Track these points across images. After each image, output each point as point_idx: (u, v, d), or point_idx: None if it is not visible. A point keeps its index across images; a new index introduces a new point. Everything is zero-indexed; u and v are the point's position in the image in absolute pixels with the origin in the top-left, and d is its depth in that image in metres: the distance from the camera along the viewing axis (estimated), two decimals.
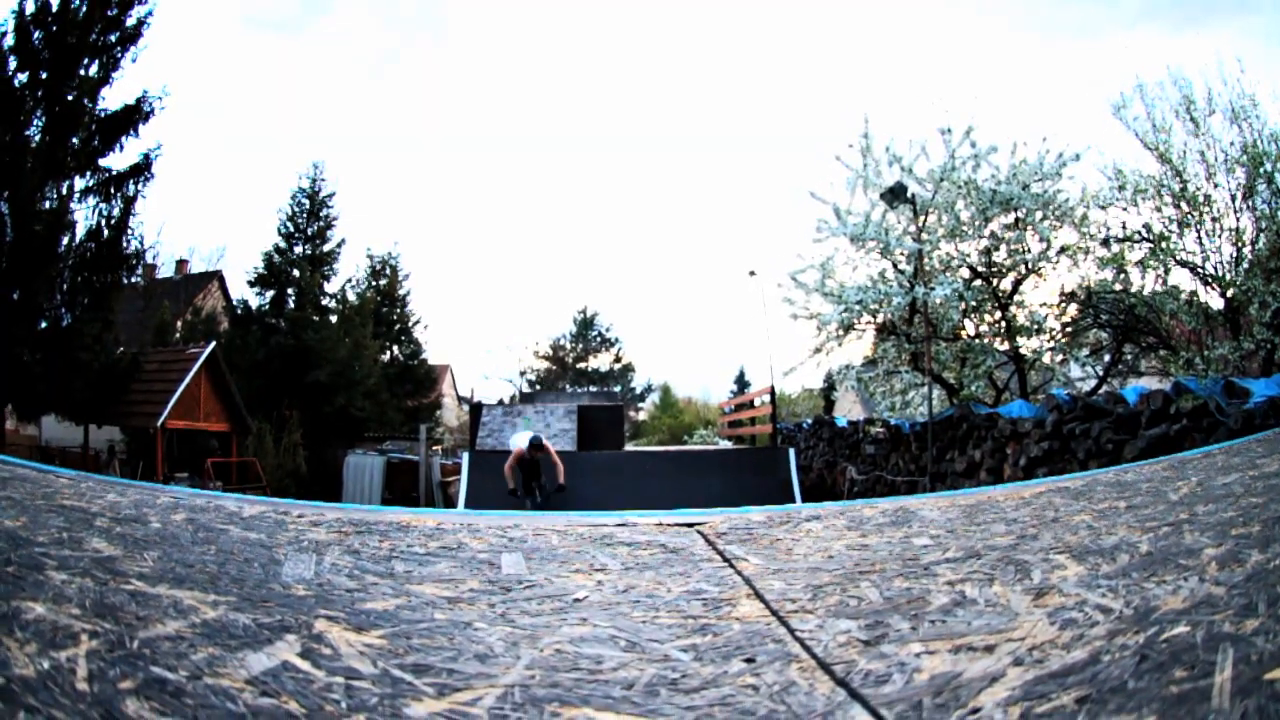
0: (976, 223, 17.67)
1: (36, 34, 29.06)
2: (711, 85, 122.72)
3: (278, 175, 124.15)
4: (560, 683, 1.79)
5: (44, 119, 29.09)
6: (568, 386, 74.77)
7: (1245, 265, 14.70)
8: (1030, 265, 17.76)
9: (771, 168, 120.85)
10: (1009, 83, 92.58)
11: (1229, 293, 14.58)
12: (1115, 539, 3.14)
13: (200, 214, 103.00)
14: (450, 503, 27.68)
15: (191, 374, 34.57)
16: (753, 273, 28.39)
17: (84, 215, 31.11)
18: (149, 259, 34.08)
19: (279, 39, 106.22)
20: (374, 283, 51.82)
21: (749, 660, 1.95)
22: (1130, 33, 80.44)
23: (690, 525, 4.17)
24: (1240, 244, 14.80)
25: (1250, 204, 14.73)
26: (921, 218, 17.59)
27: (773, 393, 24.32)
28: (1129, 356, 17.95)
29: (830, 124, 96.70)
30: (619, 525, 4.19)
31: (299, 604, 2.26)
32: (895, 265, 18.16)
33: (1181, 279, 15.72)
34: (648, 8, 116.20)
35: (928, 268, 17.43)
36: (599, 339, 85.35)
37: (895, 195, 17.16)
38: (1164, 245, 15.21)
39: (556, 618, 2.31)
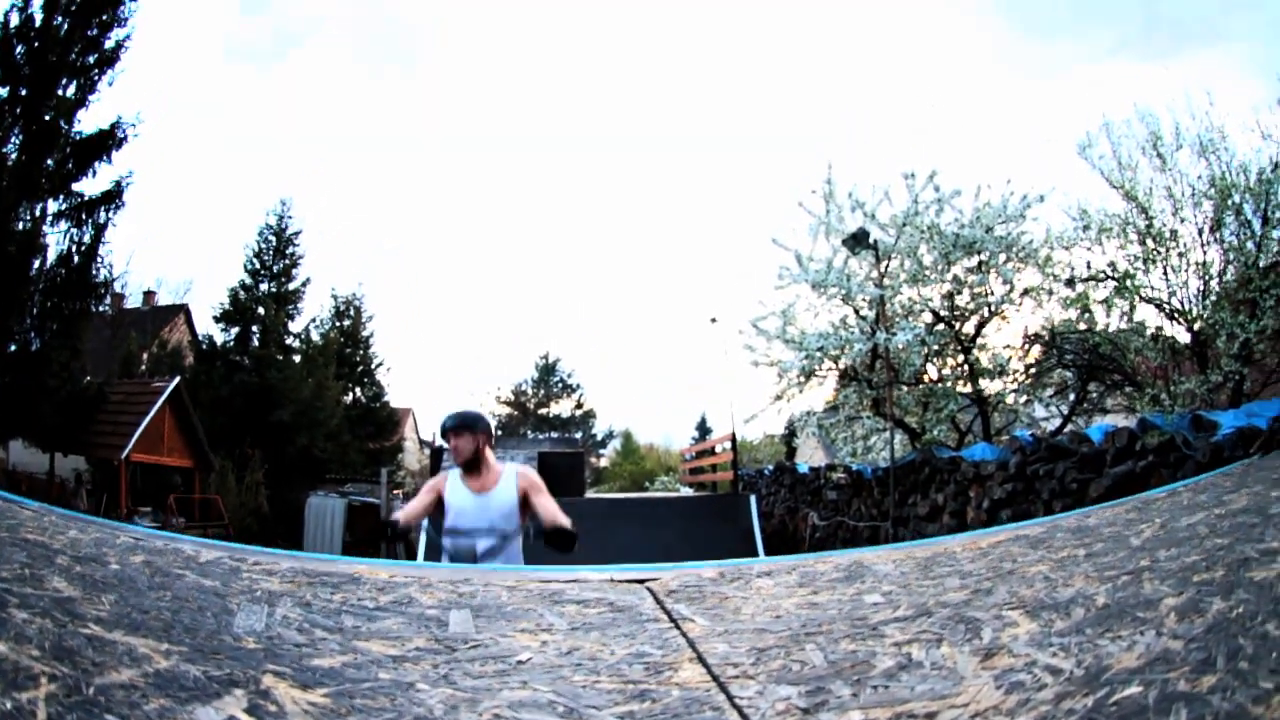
0: (939, 267, 17.68)
1: (19, 48, 29.04)
2: (675, 133, 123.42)
3: (247, 208, 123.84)
4: None
5: (21, 136, 28.95)
6: (529, 432, 74.78)
7: (1213, 298, 14.75)
8: (993, 308, 17.77)
9: (734, 214, 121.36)
10: (976, 123, 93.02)
11: (1196, 326, 14.62)
12: (1072, 591, 3.10)
13: (169, 245, 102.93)
14: (411, 547, 27.56)
15: (156, 407, 34.52)
16: (714, 320, 28.31)
17: (55, 239, 30.96)
18: (117, 288, 34.06)
19: (253, 71, 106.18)
20: (338, 323, 51.96)
21: None
22: (1100, 68, 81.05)
23: (641, 581, 4.13)
24: (1207, 277, 14.84)
25: (1218, 236, 14.78)
26: (883, 263, 17.57)
27: (734, 439, 24.34)
28: (1094, 395, 17.98)
29: (794, 170, 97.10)
30: (570, 581, 4.15)
31: (248, 657, 2.26)
32: (857, 311, 18.15)
33: (1147, 314, 15.75)
34: (611, 56, 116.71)
35: (889, 313, 17.46)
36: (561, 385, 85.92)
37: (857, 241, 17.11)
38: (1129, 283, 15.24)
39: (498, 680, 2.29)
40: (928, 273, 17.74)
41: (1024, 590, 3.25)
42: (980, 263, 17.30)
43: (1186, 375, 14.65)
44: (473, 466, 6.91)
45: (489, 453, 7.02)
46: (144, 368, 42.11)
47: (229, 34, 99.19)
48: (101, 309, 33.49)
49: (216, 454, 37.51)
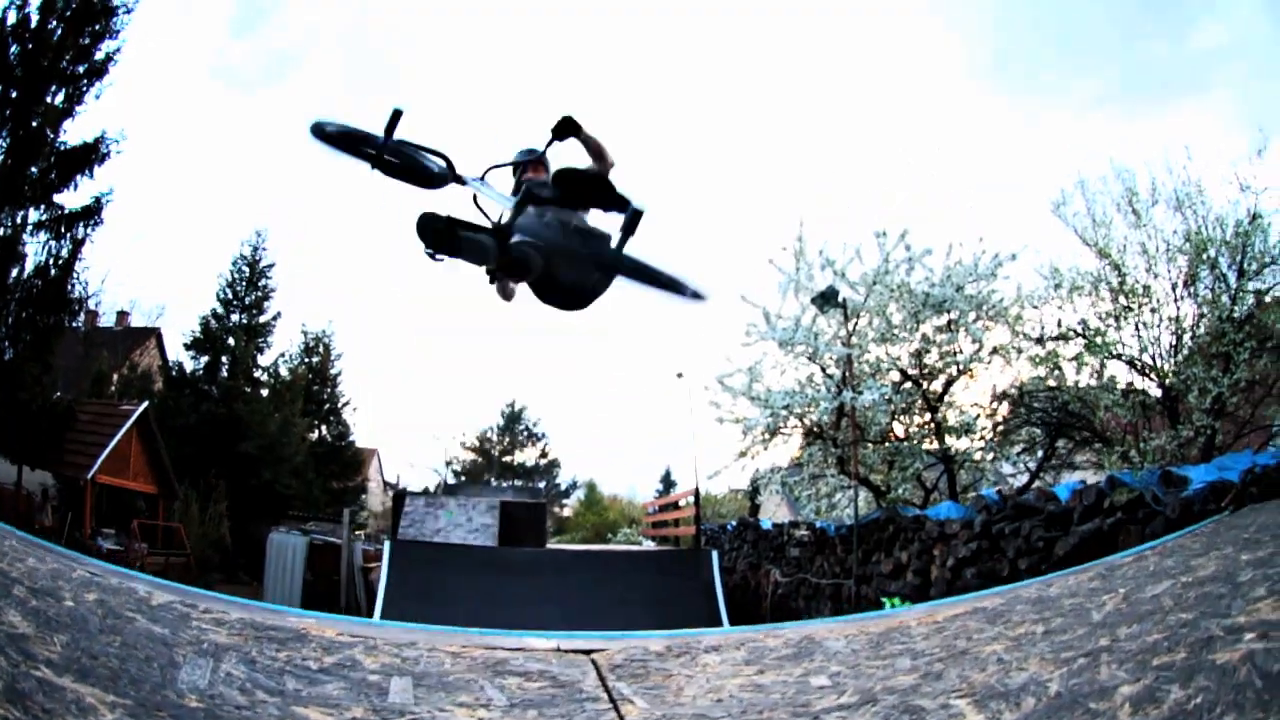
0: (908, 325, 17.71)
1: (14, 48, 28.86)
2: (645, 180, 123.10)
3: (223, 237, 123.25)
4: None
5: (8, 140, 28.72)
6: (493, 479, 74.40)
7: (1185, 353, 14.78)
8: (961, 366, 17.82)
9: (703, 268, 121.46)
10: (949, 179, 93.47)
11: (1167, 381, 14.64)
12: (1024, 676, 3.02)
13: (144, 266, 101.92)
14: (370, 590, 27.49)
15: (123, 430, 33.99)
16: (680, 375, 28.41)
17: (34, 250, 30.51)
18: (92, 305, 33.90)
19: (241, 97, 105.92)
20: (307, 359, 51.64)
21: None
22: (1081, 122, 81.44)
23: (587, 652, 4.07)
24: (1180, 331, 14.88)
25: (1191, 291, 14.82)
26: (852, 321, 17.62)
27: (697, 494, 24.39)
28: (1063, 451, 17.97)
29: (763, 226, 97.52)
30: (515, 649, 4.10)
31: (189, 717, 2.28)
32: (824, 369, 18.18)
33: (1118, 370, 15.78)
34: (586, 102, 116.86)
35: (857, 371, 17.46)
36: (526, 433, 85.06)
37: (826, 300, 17.22)
38: (1100, 340, 15.27)
39: None
40: (896, 331, 17.78)
41: (975, 674, 3.17)
42: (950, 321, 17.36)
43: (1157, 431, 14.65)
44: None
45: None
46: (114, 389, 41.50)
47: (217, 56, 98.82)
48: (75, 325, 33.10)
49: (181, 482, 37.12)
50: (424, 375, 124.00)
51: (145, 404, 35.94)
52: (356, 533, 41.43)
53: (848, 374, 17.28)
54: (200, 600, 4.27)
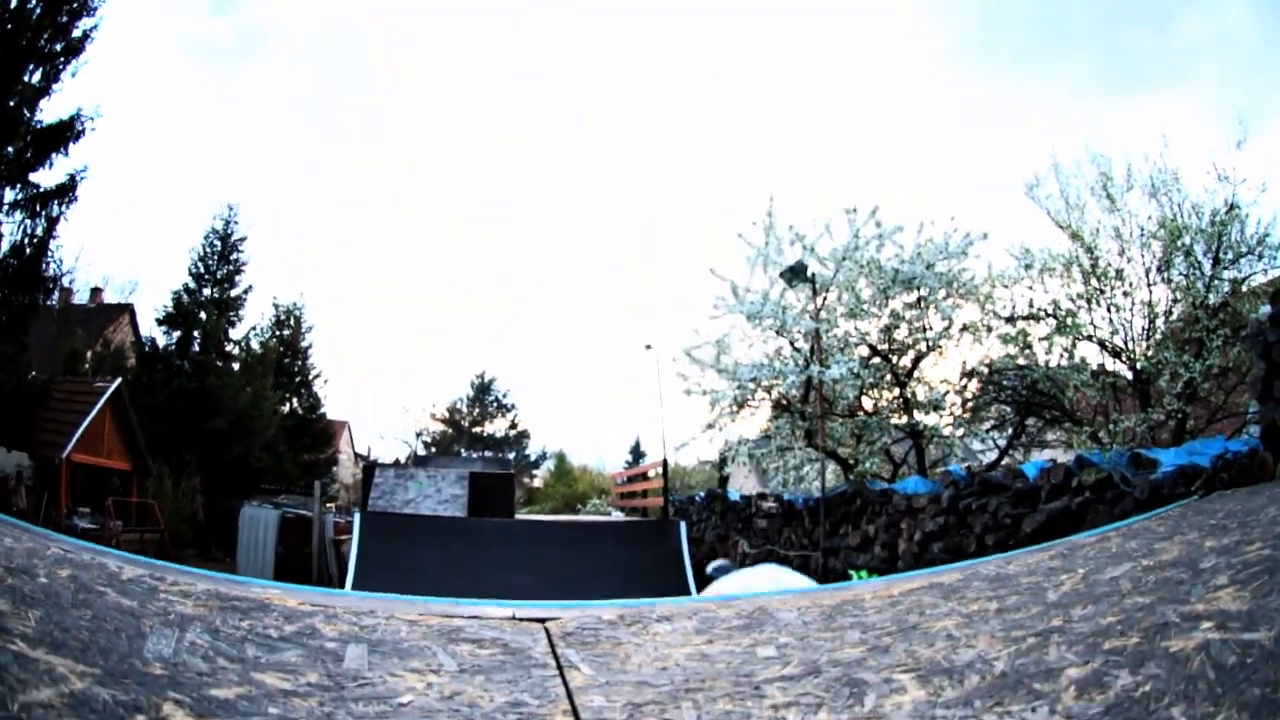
0: (877, 301, 17.78)
1: None
2: (617, 158, 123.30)
3: (196, 211, 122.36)
4: None
5: None
6: (463, 450, 74.39)
7: (1157, 337, 14.82)
8: (931, 343, 17.85)
9: (673, 242, 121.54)
10: (925, 162, 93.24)
11: (1139, 365, 14.69)
12: (972, 654, 3.02)
13: (116, 242, 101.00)
14: (342, 562, 27.54)
15: (97, 408, 33.77)
16: (649, 347, 28.42)
17: (9, 230, 30.36)
18: (66, 283, 33.64)
19: (213, 70, 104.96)
20: (278, 332, 51.55)
21: None
22: (1059, 107, 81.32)
23: (541, 620, 4.11)
24: (1153, 316, 14.93)
25: (1165, 276, 14.87)
26: (821, 296, 17.65)
27: (665, 466, 24.50)
28: (1032, 429, 18.07)
29: (735, 201, 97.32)
30: (472, 617, 4.13)
31: (154, 683, 2.32)
32: (792, 343, 18.21)
33: (1089, 352, 15.82)
34: (560, 73, 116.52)
35: (825, 346, 17.50)
36: (496, 404, 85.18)
37: (795, 274, 17.28)
38: (1071, 321, 15.31)
39: None
40: (866, 307, 17.80)
41: (923, 649, 3.17)
42: (920, 298, 17.40)
43: (1127, 413, 14.71)
44: None
45: None
46: (87, 366, 41.08)
47: (191, 32, 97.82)
48: (49, 303, 32.96)
49: (154, 458, 37.02)
50: (395, 347, 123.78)
51: (118, 381, 35.70)
52: (328, 505, 41.37)
53: (816, 348, 17.34)
54: (169, 574, 4.31)
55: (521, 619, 4.15)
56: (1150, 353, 14.68)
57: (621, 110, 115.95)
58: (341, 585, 21.37)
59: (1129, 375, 15.32)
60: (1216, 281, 14.36)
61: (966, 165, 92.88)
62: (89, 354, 42.39)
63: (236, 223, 45.82)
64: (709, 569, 15.26)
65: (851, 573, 15.56)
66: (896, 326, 17.96)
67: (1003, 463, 17.37)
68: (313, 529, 34.38)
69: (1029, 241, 16.61)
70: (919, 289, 17.34)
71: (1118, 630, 3.01)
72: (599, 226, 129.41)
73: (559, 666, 3.18)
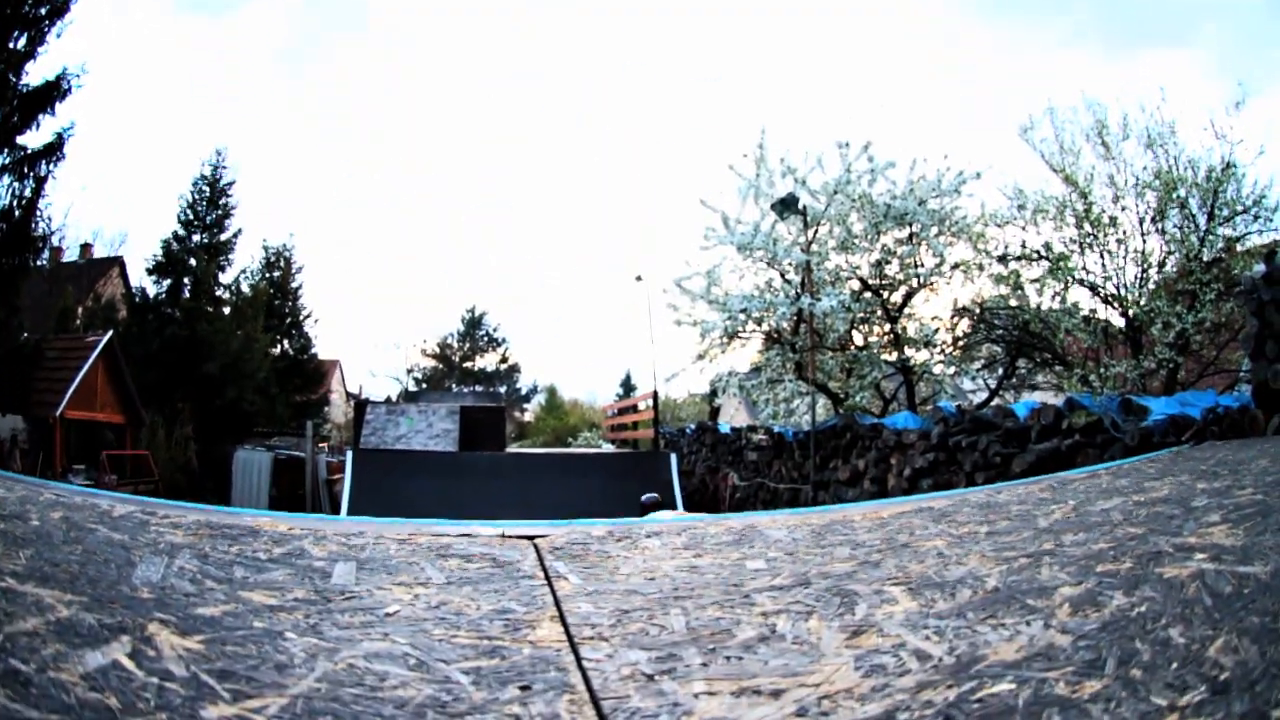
0: (869, 236, 17.78)
1: None
2: (609, 88, 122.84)
3: (184, 159, 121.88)
4: (340, 697, 1.83)
5: None
6: (454, 386, 74.55)
7: (1150, 286, 14.82)
8: (922, 279, 17.88)
9: (662, 172, 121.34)
10: (922, 100, 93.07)
11: (1131, 312, 14.70)
12: (963, 570, 3.03)
13: (106, 196, 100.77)
14: (335, 501, 27.75)
15: (89, 363, 33.83)
16: (639, 278, 28.45)
17: None
18: (55, 241, 33.54)
19: (202, 20, 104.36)
20: (268, 274, 51.51)
21: (524, 688, 1.91)
22: (1055, 54, 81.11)
23: (530, 538, 4.11)
24: (1146, 265, 14.92)
25: (1160, 227, 14.86)
26: (812, 229, 17.64)
27: (655, 397, 24.57)
28: (1023, 371, 18.12)
29: (725, 132, 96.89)
30: (461, 535, 4.14)
31: (140, 606, 2.34)
32: (783, 275, 18.24)
33: (1080, 297, 15.82)
34: (551, 10, 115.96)
35: (816, 279, 17.48)
36: (486, 338, 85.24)
37: (786, 206, 17.23)
38: (1063, 264, 15.30)
39: (361, 631, 2.31)
40: (857, 241, 17.81)
41: (913, 565, 3.16)
42: (911, 234, 17.38)
43: (1118, 359, 14.73)
44: None
45: None
46: (79, 322, 41.16)
47: None
48: (39, 263, 32.86)
49: (147, 409, 37.03)
50: (385, 283, 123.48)
51: (109, 334, 35.67)
52: (320, 445, 41.51)
53: (806, 280, 17.32)
54: (159, 508, 4.37)
55: (511, 536, 4.16)
56: (1144, 301, 14.67)
57: (618, 31, 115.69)
58: None
59: (1120, 322, 15.32)
60: (1211, 237, 14.36)
61: (959, 105, 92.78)
62: (80, 310, 42.50)
63: (225, 167, 45.64)
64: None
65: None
66: (888, 262, 17.98)
67: (992, 403, 17.40)
68: (306, 470, 34.52)
69: (1022, 184, 16.53)
70: (911, 225, 17.34)
71: (1110, 556, 3.01)
72: (589, 155, 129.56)
73: (547, 577, 3.19)
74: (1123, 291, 15.15)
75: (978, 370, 18.58)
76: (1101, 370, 14.65)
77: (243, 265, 49.20)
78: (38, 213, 30.77)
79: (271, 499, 34.02)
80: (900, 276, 18.02)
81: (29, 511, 3.59)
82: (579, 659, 2.13)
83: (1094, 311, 15.82)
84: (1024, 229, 16.30)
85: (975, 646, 2.10)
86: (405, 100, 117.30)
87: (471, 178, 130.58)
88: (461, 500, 18.43)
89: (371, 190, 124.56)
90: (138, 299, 44.17)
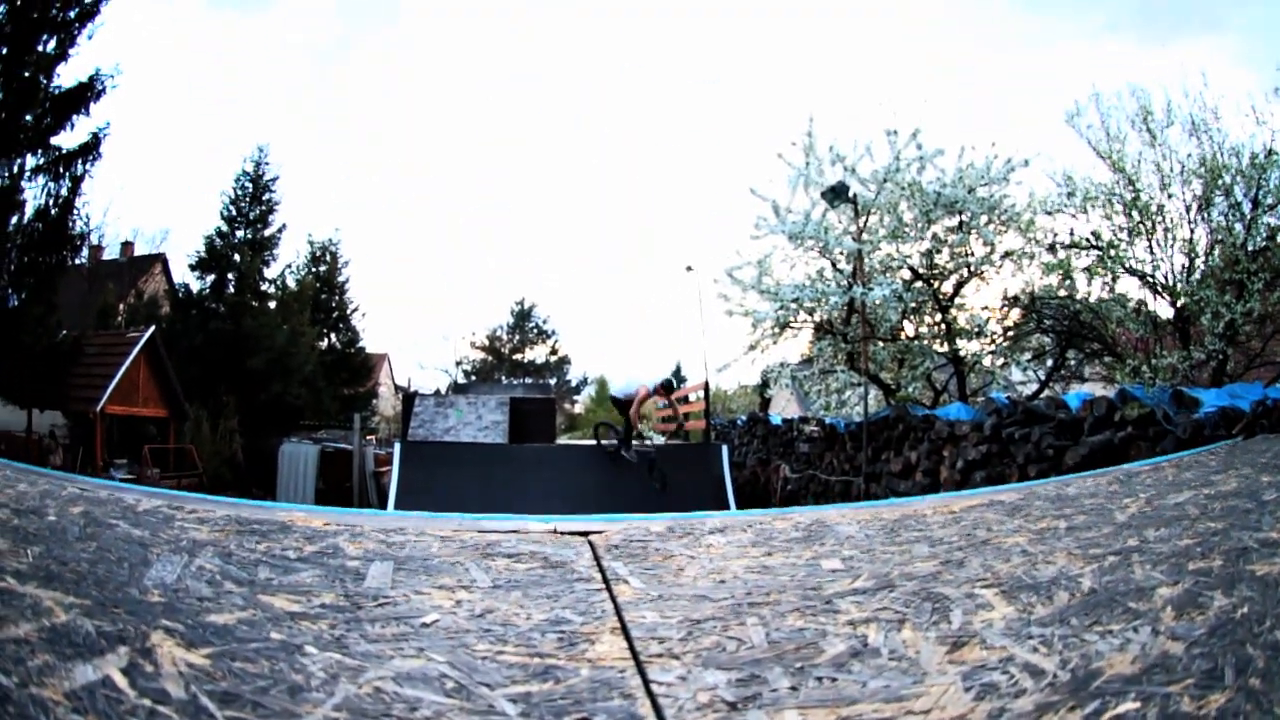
0: (919, 224, 17.59)
1: (1, 7, 28.53)
2: (658, 79, 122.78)
3: (225, 157, 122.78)
4: None
5: (0, 95, 28.54)
6: (504, 378, 74.60)
7: (1198, 275, 14.59)
8: (973, 268, 17.71)
9: (712, 163, 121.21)
10: (963, 90, 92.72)
11: (1180, 302, 14.46)
12: (1054, 570, 2.82)
13: (146, 195, 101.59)
14: (383, 493, 27.80)
15: (130, 358, 34.12)
16: (690, 268, 28.57)
17: (33, 195, 30.45)
18: (94, 240, 33.78)
19: (235, 16, 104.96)
20: (314, 269, 51.85)
21: None
22: (1092, 44, 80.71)
23: (584, 534, 3.90)
24: (1193, 254, 14.69)
25: (1206, 215, 14.62)
26: (862, 218, 17.47)
27: (706, 388, 24.47)
28: (1072, 362, 17.91)
29: (774, 121, 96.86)
30: (510, 532, 3.94)
31: (146, 611, 2.17)
32: (834, 264, 18.11)
33: (1129, 287, 15.60)
34: (596, 3, 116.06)
35: (867, 268, 17.33)
36: (536, 330, 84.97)
37: (836, 194, 17.06)
38: (1113, 253, 15.08)
39: (393, 646, 2.08)
40: (907, 230, 17.61)
41: (1000, 565, 2.97)
42: (961, 223, 17.18)
43: (1168, 350, 14.51)
44: None
45: None
46: (120, 319, 41.46)
47: None
48: (78, 261, 33.17)
49: (191, 403, 37.22)
50: (434, 277, 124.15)
51: (151, 329, 35.96)
52: (367, 438, 41.65)
53: (858, 269, 17.14)
54: (187, 502, 4.25)
55: (563, 532, 3.95)
56: (1192, 290, 14.45)
57: (664, 22, 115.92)
58: None
59: (1169, 312, 15.11)
60: (1256, 225, 14.11)
61: (1000, 94, 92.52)
62: (121, 306, 42.90)
63: (268, 163, 45.88)
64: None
65: (893, 499, 15.52)
66: (938, 251, 17.80)
67: (1043, 395, 17.20)
68: (353, 462, 34.61)
69: (1069, 171, 16.32)
70: (961, 213, 17.14)
71: (1199, 552, 2.86)
72: (640, 146, 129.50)
73: (605, 581, 2.96)
74: (1171, 280, 14.93)
75: (1028, 361, 18.39)
76: (1152, 361, 14.44)
77: (287, 260, 50.17)
78: (75, 211, 30.98)
79: (318, 491, 34.23)
80: (950, 266, 17.86)
81: (47, 507, 3.48)
82: (646, 682, 1.90)
83: (1142, 302, 15.62)
84: (1074, 217, 16.09)
85: (1088, 659, 1.91)
86: (453, 91, 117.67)
87: (521, 169, 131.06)
88: (510, 492, 18.45)
89: (420, 183, 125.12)
90: (181, 295, 44.53)
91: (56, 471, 5.08)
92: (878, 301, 16.81)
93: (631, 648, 2.15)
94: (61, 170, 30.44)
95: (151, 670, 1.73)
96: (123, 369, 33.87)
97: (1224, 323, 13.51)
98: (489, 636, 2.21)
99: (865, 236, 17.26)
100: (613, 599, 2.67)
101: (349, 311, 53.40)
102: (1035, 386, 18.25)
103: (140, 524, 3.38)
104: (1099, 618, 2.21)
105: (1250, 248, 13.73)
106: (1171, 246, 14.95)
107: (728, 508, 20.68)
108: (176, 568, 2.68)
